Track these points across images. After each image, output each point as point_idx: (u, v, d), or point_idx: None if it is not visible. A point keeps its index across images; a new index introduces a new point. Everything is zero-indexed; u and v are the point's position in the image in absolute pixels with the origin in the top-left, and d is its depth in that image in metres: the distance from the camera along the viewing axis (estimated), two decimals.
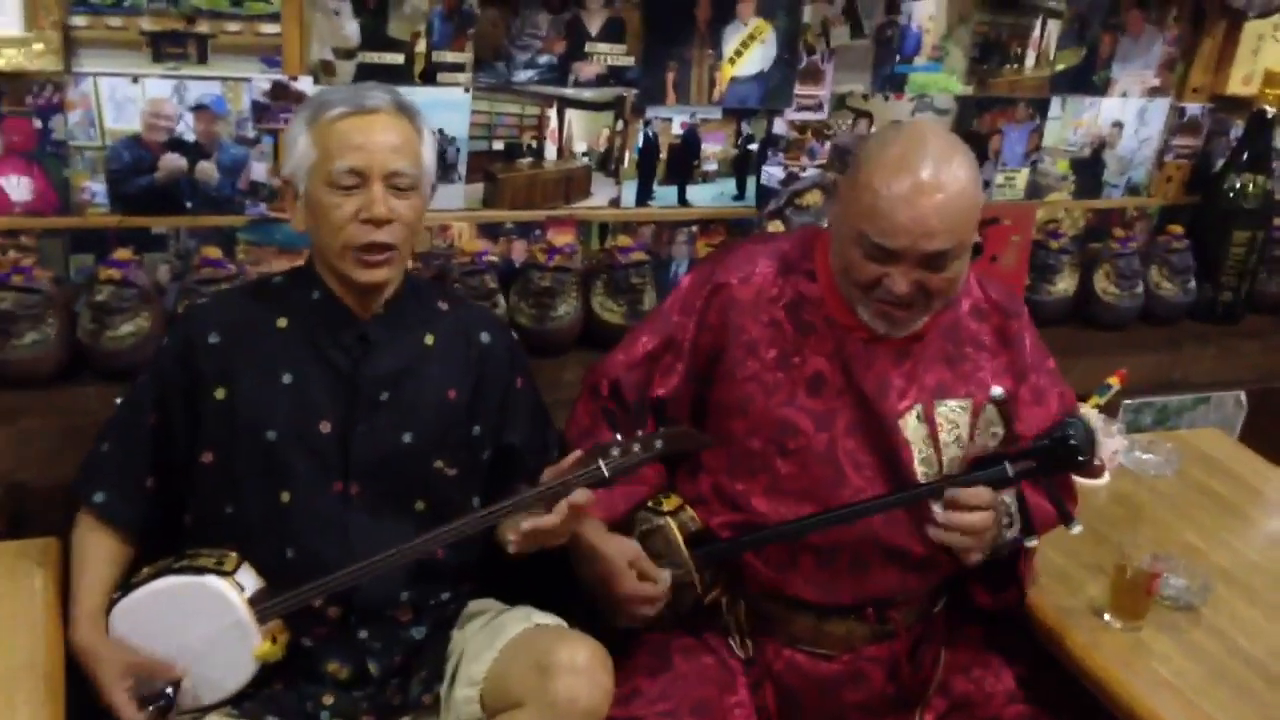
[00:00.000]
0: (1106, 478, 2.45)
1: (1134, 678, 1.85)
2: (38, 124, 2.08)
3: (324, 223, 1.72)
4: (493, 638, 1.82)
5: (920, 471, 1.88)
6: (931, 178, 1.68)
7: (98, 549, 1.80)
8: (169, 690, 1.72)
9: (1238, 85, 2.96)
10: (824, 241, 1.92)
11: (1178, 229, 2.99)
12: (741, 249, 2.00)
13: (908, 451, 1.88)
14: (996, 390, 1.82)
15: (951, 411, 1.90)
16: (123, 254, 2.15)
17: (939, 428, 1.89)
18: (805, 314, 1.89)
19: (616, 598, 1.89)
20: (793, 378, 1.88)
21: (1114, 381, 2.50)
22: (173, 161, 2.18)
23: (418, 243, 2.33)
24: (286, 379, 1.77)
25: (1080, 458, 1.79)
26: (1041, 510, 1.89)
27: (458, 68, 2.30)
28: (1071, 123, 2.87)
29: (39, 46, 2.00)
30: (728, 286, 1.92)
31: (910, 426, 1.88)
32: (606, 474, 1.69)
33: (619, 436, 1.73)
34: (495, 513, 1.72)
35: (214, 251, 2.22)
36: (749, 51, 2.49)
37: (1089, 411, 2.45)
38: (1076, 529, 1.85)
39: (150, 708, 1.70)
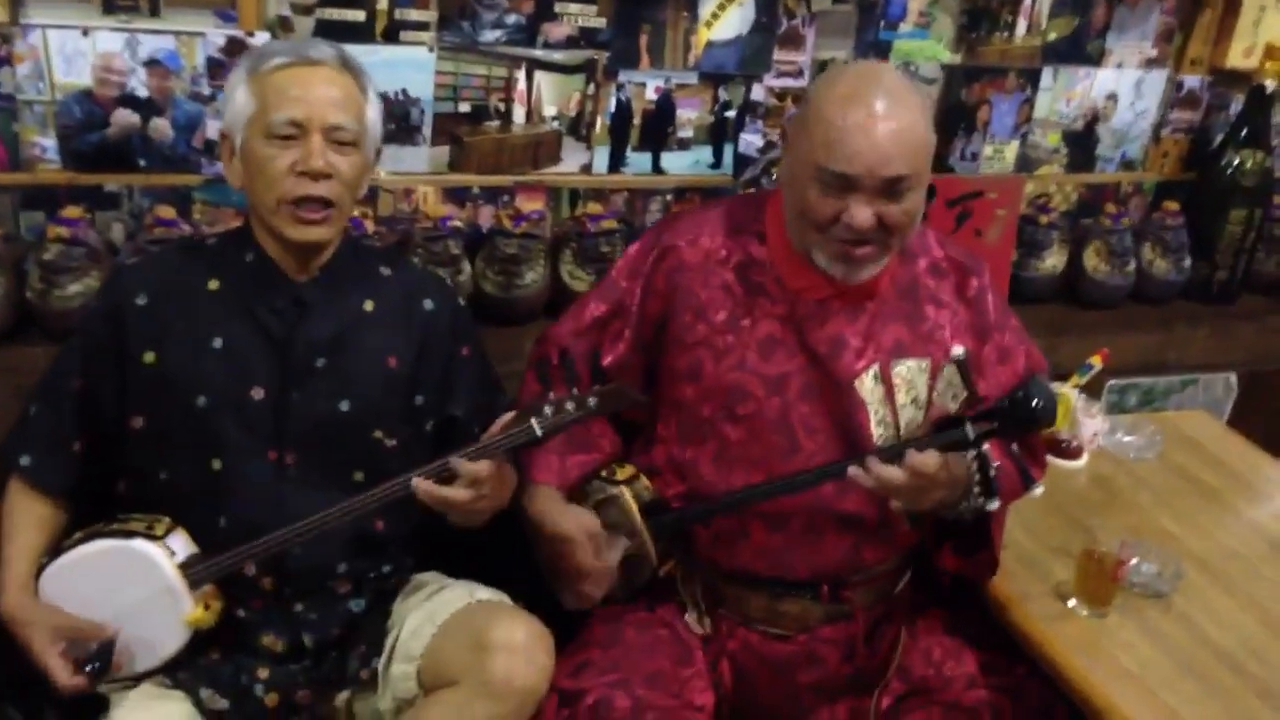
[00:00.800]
0: (1085, 459, 2.39)
1: (1094, 666, 1.80)
2: None
3: (260, 176, 1.67)
4: (433, 613, 1.78)
5: (877, 434, 1.84)
6: (885, 108, 1.67)
7: (26, 514, 1.76)
8: (104, 650, 1.68)
9: (1238, 58, 2.87)
10: (774, 203, 1.87)
11: (1173, 206, 2.91)
12: (690, 214, 1.97)
13: (864, 413, 1.83)
14: (957, 349, 1.77)
15: (909, 371, 1.85)
16: (72, 212, 2.10)
17: (895, 388, 1.84)
18: (755, 275, 1.85)
19: (572, 570, 1.85)
20: (743, 341, 1.84)
21: (1095, 361, 2.43)
22: (125, 118, 2.12)
23: (380, 207, 2.30)
24: (217, 343, 1.72)
25: (1040, 418, 1.73)
26: (1008, 476, 1.84)
27: (422, 26, 2.23)
28: (1064, 94, 2.79)
29: None
30: (675, 249, 1.88)
31: (866, 387, 1.83)
32: (539, 433, 1.64)
33: (551, 395, 1.67)
34: (420, 475, 1.66)
35: (168, 211, 2.16)
36: (726, 14, 2.42)
37: (1069, 390, 2.39)
38: (1038, 490, 1.78)
39: (86, 669, 1.67)
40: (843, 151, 1.67)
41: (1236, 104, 2.93)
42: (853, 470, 1.73)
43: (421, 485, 1.65)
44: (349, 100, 1.69)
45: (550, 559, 1.88)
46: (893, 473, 1.70)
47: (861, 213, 1.69)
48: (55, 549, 1.74)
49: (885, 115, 1.66)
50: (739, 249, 1.87)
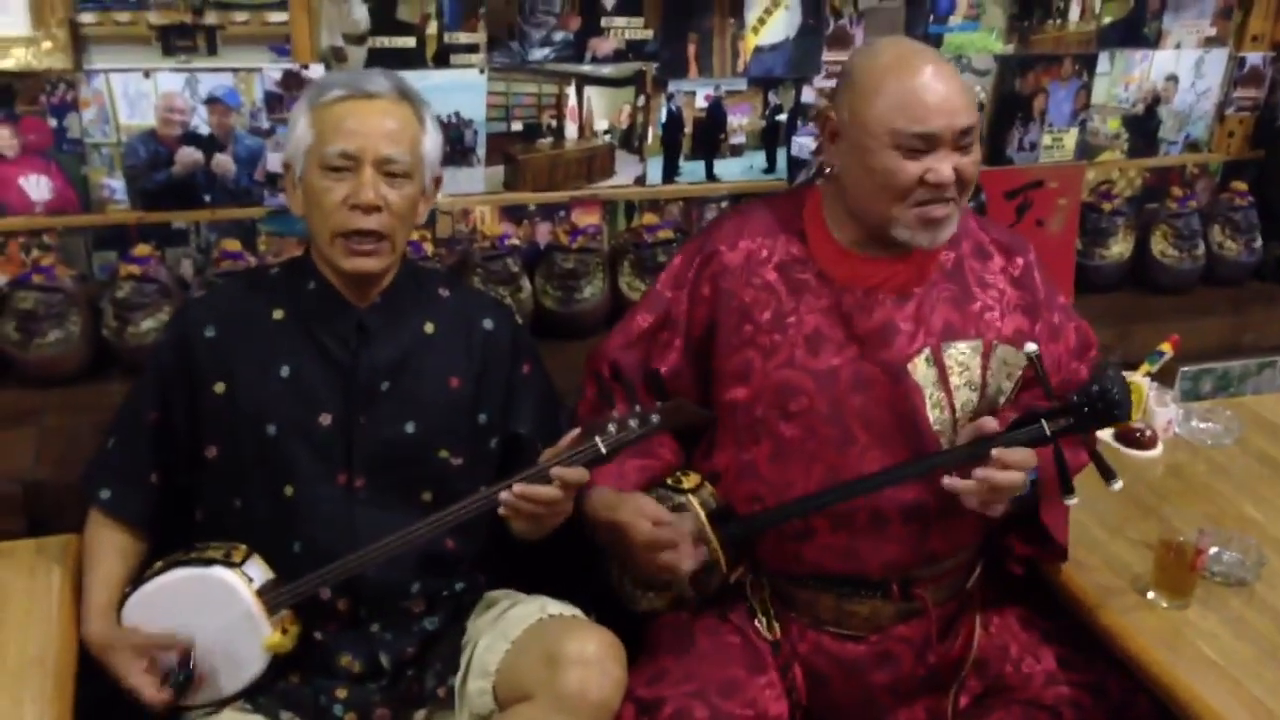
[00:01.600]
0: (1160, 449, 2.34)
1: (1177, 658, 1.76)
2: (53, 122, 2.10)
3: (315, 207, 1.71)
4: (506, 629, 1.80)
5: (933, 417, 1.84)
6: (935, 66, 1.76)
7: (107, 545, 1.81)
8: (186, 663, 1.72)
9: None
10: (812, 199, 1.90)
11: (1241, 186, 2.87)
12: (728, 218, 1.99)
13: (919, 396, 1.83)
14: (1031, 346, 1.77)
15: (960, 354, 1.85)
16: (143, 250, 2.17)
17: (949, 370, 1.84)
18: (797, 272, 1.87)
19: (639, 550, 1.82)
20: (790, 338, 1.85)
21: (1166, 348, 2.39)
22: (189, 155, 2.18)
23: (439, 228, 2.33)
24: (284, 371, 1.76)
25: (1118, 412, 1.72)
26: (1073, 457, 1.84)
27: (471, 49, 2.26)
28: (1122, 78, 2.75)
29: (47, 45, 2.01)
30: (717, 254, 1.90)
31: (920, 371, 1.83)
32: (604, 451, 1.66)
33: (615, 413, 1.69)
34: (491, 494, 1.68)
35: (234, 244, 2.22)
36: (772, 19, 2.42)
37: (1140, 379, 2.35)
38: (1117, 485, 1.76)
39: (171, 681, 1.71)
40: (921, 110, 1.72)
41: None
42: (948, 481, 1.74)
43: (520, 490, 1.66)
44: (404, 132, 1.72)
45: (615, 551, 1.88)
46: (996, 476, 1.71)
47: (945, 167, 1.74)
48: (137, 578, 1.78)
49: (938, 72, 1.74)
50: (780, 247, 1.89)
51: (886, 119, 1.73)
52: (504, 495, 1.67)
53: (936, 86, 1.72)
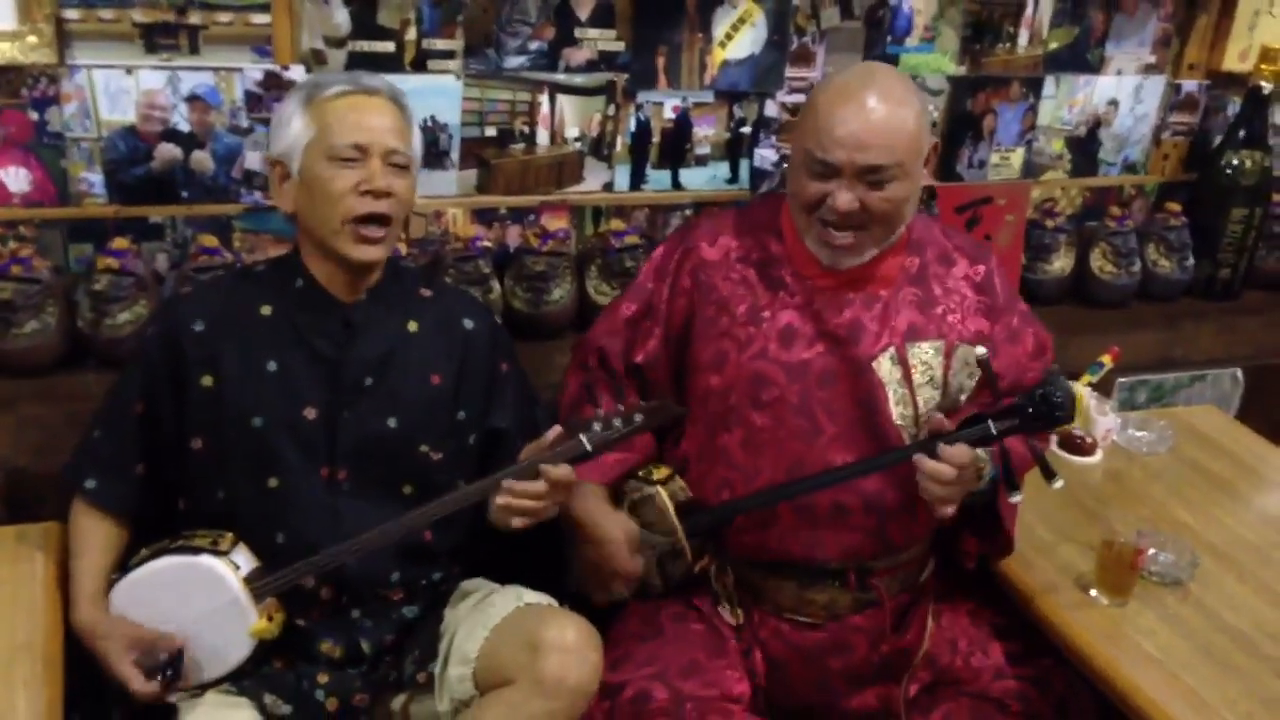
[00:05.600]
0: (1099, 456, 2.46)
1: (1118, 652, 1.87)
2: (34, 116, 2.11)
3: (322, 196, 1.74)
4: (485, 617, 1.85)
5: (896, 413, 1.93)
6: (874, 101, 1.81)
7: (93, 533, 1.83)
8: (174, 660, 1.75)
9: (1234, 61, 2.95)
10: (789, 204, 1.98)
11: (1175, 206, 2.99)
12: (711, 217, 2.10)
13: (882, 393, 1.92)
14: (979, 350, 1.86)
15: (924, 353, 1.95)
16: (120, 243, 2.19)
17: (913, 369, 1.94)
18: (773, 270, 1.97)
19: (608, 570, 1.95)
20: (764, 331, 1.94)
21: (1106, 360, 2.51)
22: (168, 151, 2.20)
23: (412, 229, 2.38)
24: (271, 366, 1.80)
25: (1060, 415, 1.82)
26: (1026, 464, 1.94)
27: (448, 55, 2.31)
28: (1066, 101, 2.87)
29: (32, 39, 2.02)
30: (697, 249, 2.00)
31: (884, 369, 1.93)
32: (589, 448, 1.73)
33: (600, 411, 1.76)
34: (475, 490, 1.75)
35: (210, 240, 2.25)
36: (739, 34, 2.50)
37: (1081, 389, 2.46)
38: (1058, 484, 1.86)
39: (158, 677, 1.74)
40: (826, 139, 1.81)
41: (1234, 106, 3.02)
42: (917, 458, 1.83)
43: (515, 487, 1.72)
44: (401, 128, 1.78)
45: (589, 558, 1.97)
46: (937, 466, 1.80)
47: (843, 197, 1.82)
48: (123, 566, 1.81)
49: (871, 107, 1.80)
50: (757, 246, 1.98)
51: (804, 138, 1.85)
52: (501, 499, 1.73)
53: (854, 120, 1.79)
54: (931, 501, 1.86)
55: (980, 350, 1.85)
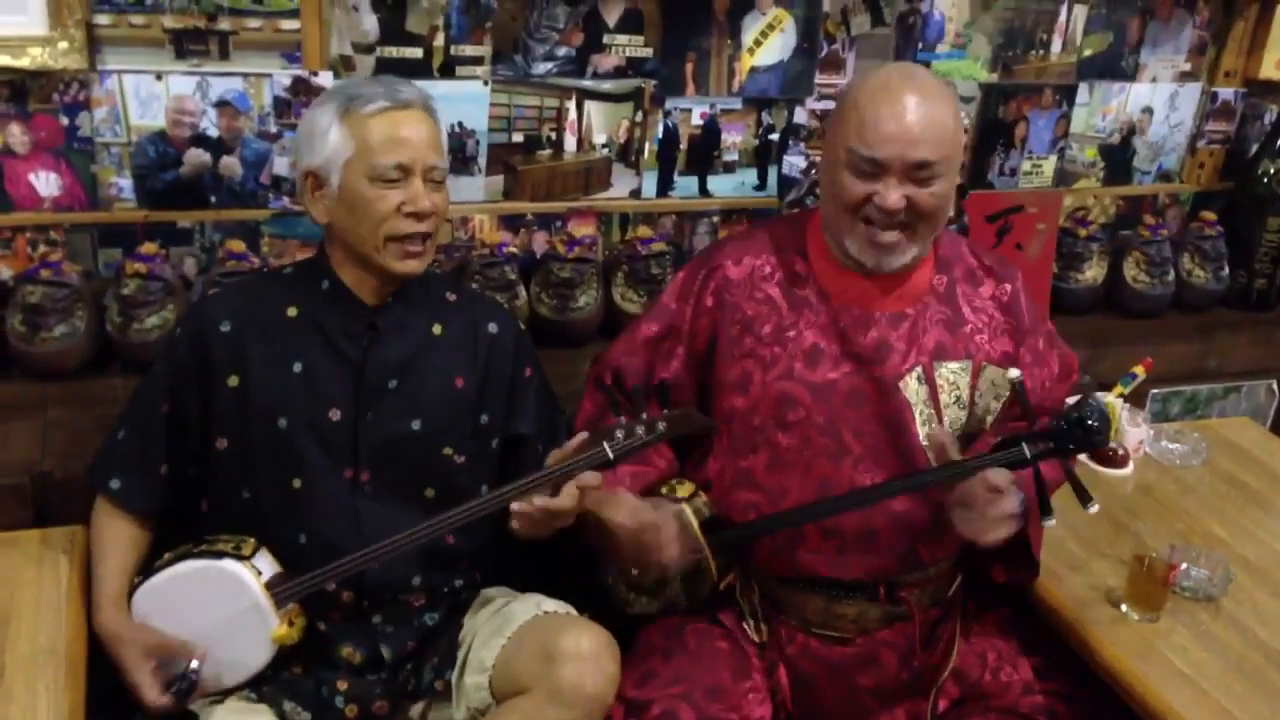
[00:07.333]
0: (1131, 468, 2.43)
1: (1149, 669, 1.84)
2: (64, 121, 2.12)
3: (364, 215, 1.75)
4: (502, 625, 1.84)
5: (923, 433, 1.90)
6: (919, 97, 1.79)
7: (116, 535, 1.84)
8: (191, 672, 1.75)
9: (1271, 69, 2.91)
10: (815, 220, 1.96)
11: (1210, 216, 2.95)
12: (734, 237, 2.07)
13: (909, 413, 1.90)
14: (1014, 372, 1.82)
15: (951, 373, 1.93)
16: (149, 248, 2.20)
17: (939, 389, 1.92)
18: (798, 289, 1.94)
19: (630, 549, 1.86)
20: (789, 351, 1.91)
21: (1139, 370, 2.48)
22: (197, 157, 2.21)
23: (441, 234, 2.37)
24: (297, 367, 1.80)
25: (1096, 439, 1.79)
26: (1050, 478, 1.88)
27: (476, 61, 2.31)
28: (1100, 109, 2.84)
29: (63, 45, 2.04)
30: (721, 268, 1.97)
31: (911, 388, 1.90)
32: (611, 457, 1.72)
33: (623, 420, 1.74)
34: (501, 496, 1.74)
35: (238, 245, 2.25)
36: (768, 41, 2.49)
37: (1113, 400, 2.43)
38: (1094, 508, 1.82)
39: (173, 689, 1.74)
40: (873, 135, 1.78)
41: (1270, 114, 2.97)
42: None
43: (539, 501, 1.71)
44: (436, 139, 1.79)
45: (610, 549, 1.91)
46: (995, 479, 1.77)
47: (892, 194, 1.79)
48: (145, 568, 1.82)
49: (915, 103, 1.78)
50: (782, 265, 1.96)
51: (846, 137, 1.81)
52: (517, 506, 1.71)
53: (901, 116, 1.77)
54: (964, 527, 1.82)
55: (1014, 373, 1.82)
